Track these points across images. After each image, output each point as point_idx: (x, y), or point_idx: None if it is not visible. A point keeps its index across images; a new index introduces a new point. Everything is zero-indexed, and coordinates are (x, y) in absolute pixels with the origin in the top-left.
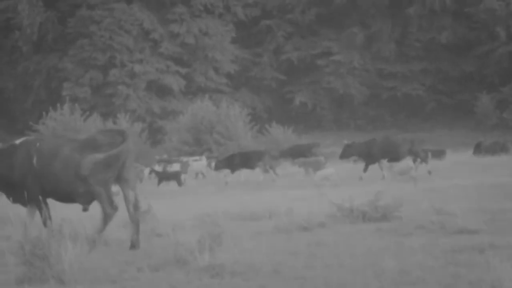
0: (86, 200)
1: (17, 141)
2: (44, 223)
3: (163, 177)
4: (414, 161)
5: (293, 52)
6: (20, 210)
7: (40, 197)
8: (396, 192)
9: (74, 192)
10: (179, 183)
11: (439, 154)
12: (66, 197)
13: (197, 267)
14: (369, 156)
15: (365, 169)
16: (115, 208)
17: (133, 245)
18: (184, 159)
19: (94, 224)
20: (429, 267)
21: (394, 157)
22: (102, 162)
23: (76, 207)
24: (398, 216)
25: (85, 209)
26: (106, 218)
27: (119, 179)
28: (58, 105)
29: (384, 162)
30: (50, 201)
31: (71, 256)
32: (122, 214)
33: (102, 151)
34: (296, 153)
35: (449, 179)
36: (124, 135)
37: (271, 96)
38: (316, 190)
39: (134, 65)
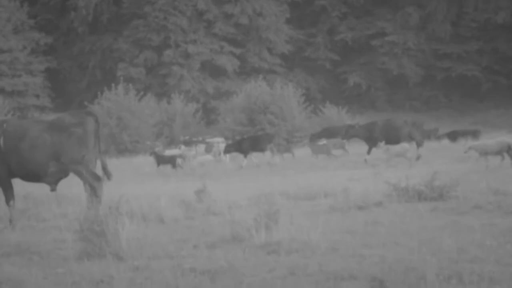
0: (54, 179)
1: None
2: (7, 203)
3: (161, 160)
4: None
5: (347, 33)
6: (77, 189)
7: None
8: (453, 172)
9: (43, 172)
10: (174, 166)
11: (473, 134)
12: (33, 177)
13: (253, 244)
14: (370, 138)
15: (369, 152)
16: (99, 179)
17: None
18: (208, 140)
19: (150, 202)
20: (487, 246)
21: (395, 140)
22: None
23: (134, 186)
24: (455, 195)
25: (53, 189)
26: (94, 192)
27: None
28: (113, 85)
29: (381, 144)
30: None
31: (128, 232)
32: (177, 193)
33: (70, 131)
34: (329, 136)
35: (504, 159)
36: (93, 115)
37: (325, 77)
38: (371, 170)
39: (188, 45)
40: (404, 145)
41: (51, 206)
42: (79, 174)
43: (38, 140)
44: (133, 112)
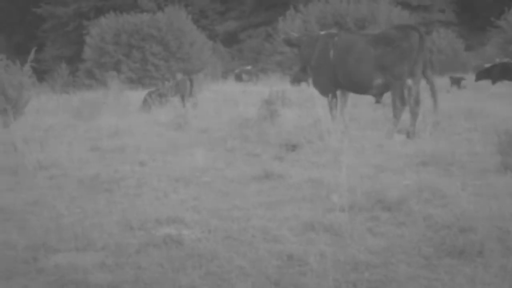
0: (379, 92)
1: (322, 32)
2: (330, 111)
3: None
4: None
5: None
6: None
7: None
8: None
9: (368, 84)
10: None
11: None
12: (359, 89)
13: None
14: None
15: None
16: (404, 103)
17: (408, 135)
18: None
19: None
20: None
21: None
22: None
23: None
24: None
25: (377, 101)
26: (395, 112)
27: (410, 73)
28: None
29: None
30: None
31: None
32: None
33: (395, 45)
34: None
35: None
36: (418, 30)
37: None
38: None
39: None
40: None
41: (459, 120)
42: (393, 89)
43: (363, 53)
44: None
